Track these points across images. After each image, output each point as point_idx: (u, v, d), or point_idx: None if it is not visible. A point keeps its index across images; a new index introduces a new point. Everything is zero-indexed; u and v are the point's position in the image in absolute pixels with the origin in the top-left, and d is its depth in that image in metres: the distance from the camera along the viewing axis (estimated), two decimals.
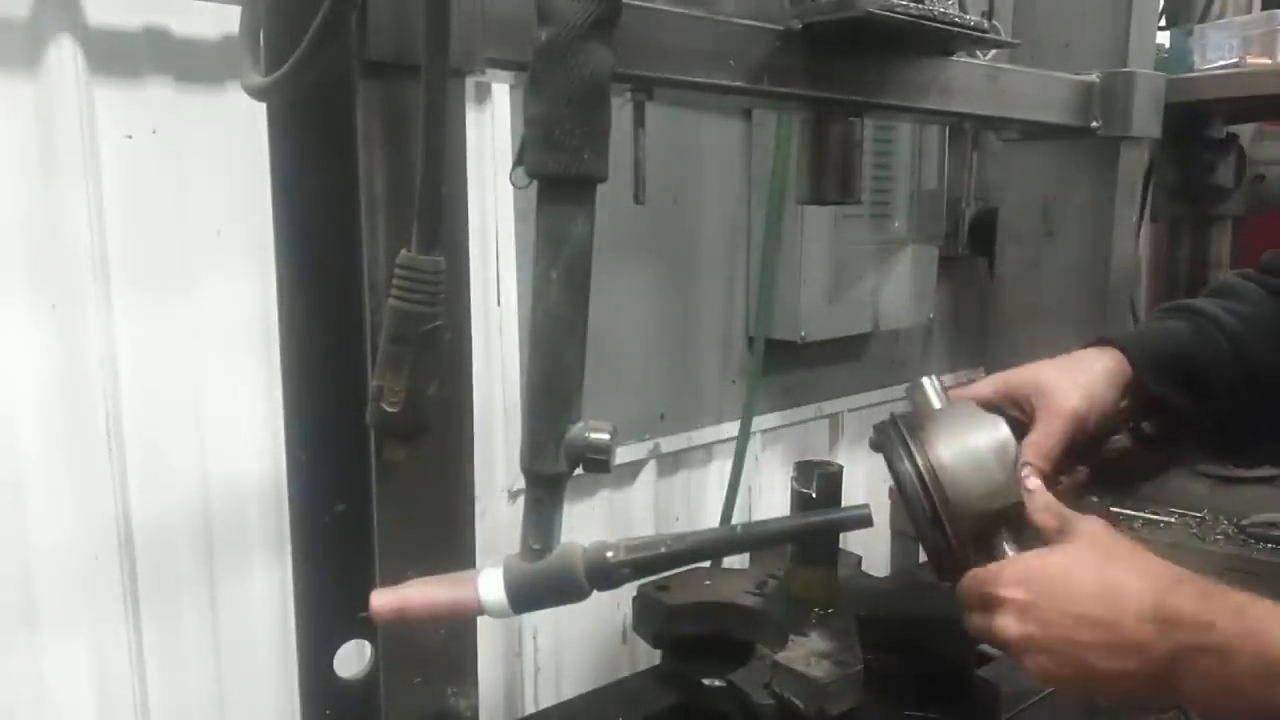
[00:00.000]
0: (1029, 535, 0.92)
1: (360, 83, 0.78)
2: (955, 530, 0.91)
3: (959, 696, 1.28)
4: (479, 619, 0.84)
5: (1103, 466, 1.09)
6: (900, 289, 2.45)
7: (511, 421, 1.83)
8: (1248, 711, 0.76)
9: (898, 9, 1.02)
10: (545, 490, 0.79)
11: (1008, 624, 0.86)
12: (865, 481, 2.57)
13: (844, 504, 1.34)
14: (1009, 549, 0.92)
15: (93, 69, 1.34)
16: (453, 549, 0.87)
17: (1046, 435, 0.97)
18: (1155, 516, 2.06)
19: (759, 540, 0.97)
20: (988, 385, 1.06)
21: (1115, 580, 0.83)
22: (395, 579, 0.80)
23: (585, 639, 2.09)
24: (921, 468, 0.92)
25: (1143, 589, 0.82)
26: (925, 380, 1.02)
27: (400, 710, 0.88)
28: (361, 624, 0.88)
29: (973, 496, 0.92)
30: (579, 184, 0.75)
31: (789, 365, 2.37)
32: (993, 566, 0.90)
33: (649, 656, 1.47)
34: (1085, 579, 0.84)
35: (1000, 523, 0.92)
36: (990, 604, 0.87)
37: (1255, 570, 1.76)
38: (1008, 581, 0.87)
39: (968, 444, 0.94)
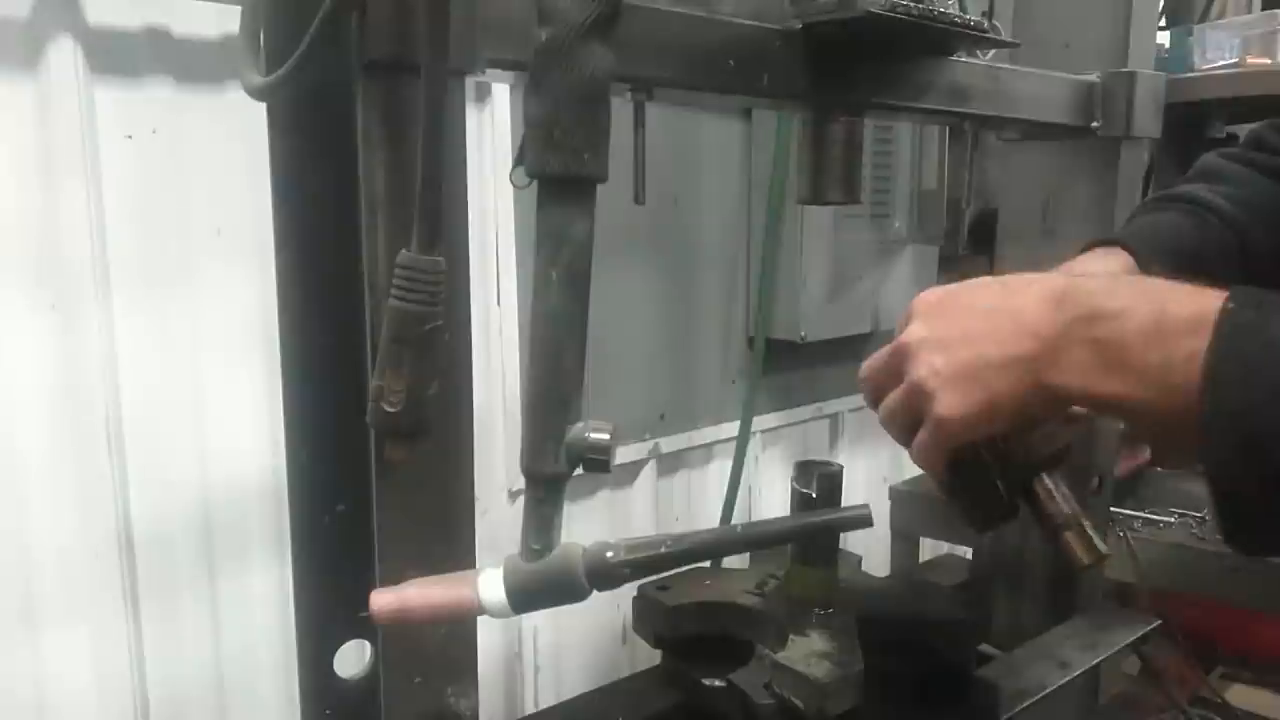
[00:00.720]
0: (1064, 478, 0.88)
1: (360, 83, 0.78)
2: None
3: (959, 696, 1.28)
4: (479, 619, 0.84)
5: None
6: (900, 289, 2.45)
7: (511, 421, 1.83)
8: (1121, 381, 0.70)
9: (898, 9, 1.02)
10: (545, 490, 0.79)
11: (914, 329, 0.81)
12: (865, 481, 2.57)
13: (844, 504, 1.34)
14: (1051, 486, 0.87)
15: (93, 69, 1.34)
16: (453, 549, 0.87)
17: None
18: (1155, 516, 2.06)
19: (759, 540, 0.97)
20: None
21: (1023, 280, 0.79)
22: (395, 579, 0.80)
23: (585, 639, 2.10)
24: None
25: (1049, 279, 0.78)
26: None
27: (400, 710, 0.88)
28: (361, 624, 0.88)
29: None
30: (579, 184, 0.75)
31: (789, 365, 2.38)
32: None
33: (649, 656, 1.47)
34: (995, 283, 0.81)
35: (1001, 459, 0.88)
36: (908, 317, 0.84)
37: (1255, 569, 1.76)
38: (925, 294, 0.83)
39: None
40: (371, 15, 0.75)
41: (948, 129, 2.50)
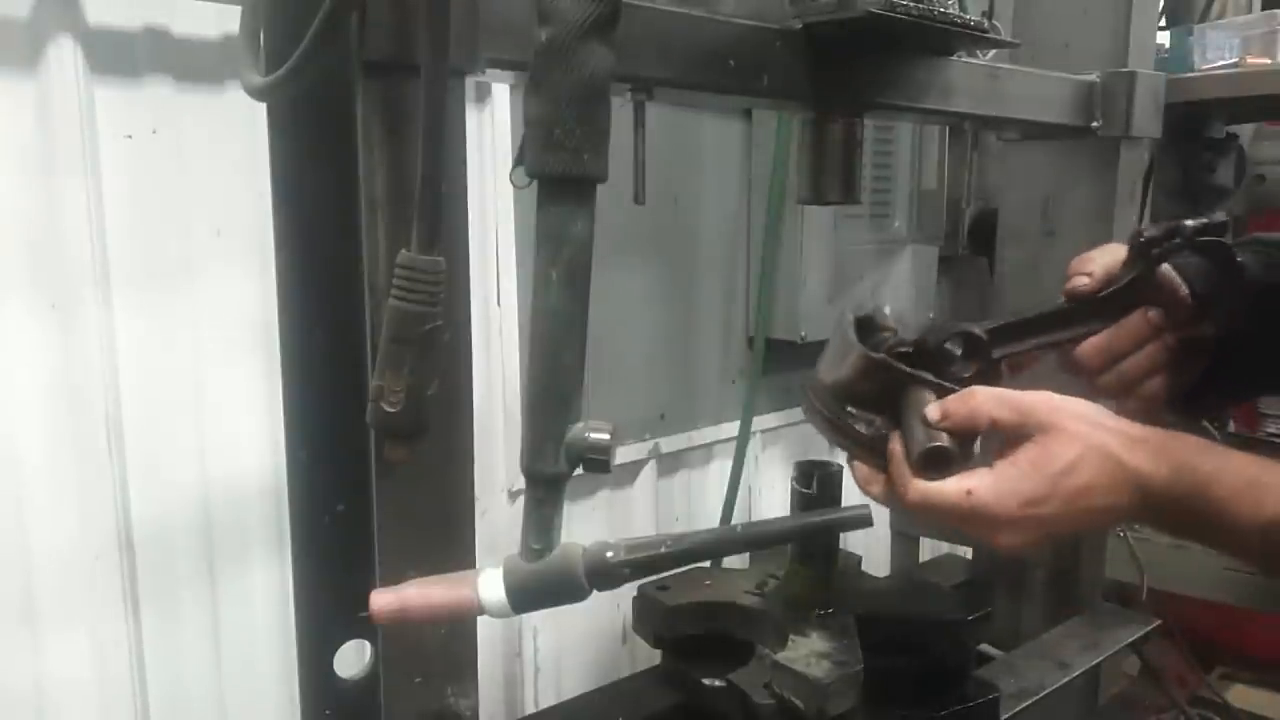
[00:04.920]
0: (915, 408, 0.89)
1: (360, 83, 0.78)
2: (825, 405, 0.96)
3: (959, 696, 1.28)
4: (479, 619, 0.84)
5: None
6: (900, 289, 2.45)
7: (511, 421, 1.83)
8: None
9: (898, 9, 1.02)
10: (545, 490, 0.79)
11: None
12: None
13: (844, 504, 1.34)
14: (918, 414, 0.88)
15: (93, 69, 1.34)
16: (453, 549, 0.87)
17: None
18: None
19: (759, 540, 0.97)
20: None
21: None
22: (395, 579, 0.80)
23: (585, 639, 2.09)
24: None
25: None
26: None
27: (400, 710, 0.88)
28: (361, 624, 0.88)
29: (825, 375, 0.98)
30: (579, 184, 0.75)
31: (789, 365, 2.37)
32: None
33: (649, 656, 1.47)
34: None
35: (870, 390, 0.93)
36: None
37: (1254, 570, 1.76)
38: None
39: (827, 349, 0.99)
40: (371, 15, 0.76)
41: (948, 129, 2.50)
